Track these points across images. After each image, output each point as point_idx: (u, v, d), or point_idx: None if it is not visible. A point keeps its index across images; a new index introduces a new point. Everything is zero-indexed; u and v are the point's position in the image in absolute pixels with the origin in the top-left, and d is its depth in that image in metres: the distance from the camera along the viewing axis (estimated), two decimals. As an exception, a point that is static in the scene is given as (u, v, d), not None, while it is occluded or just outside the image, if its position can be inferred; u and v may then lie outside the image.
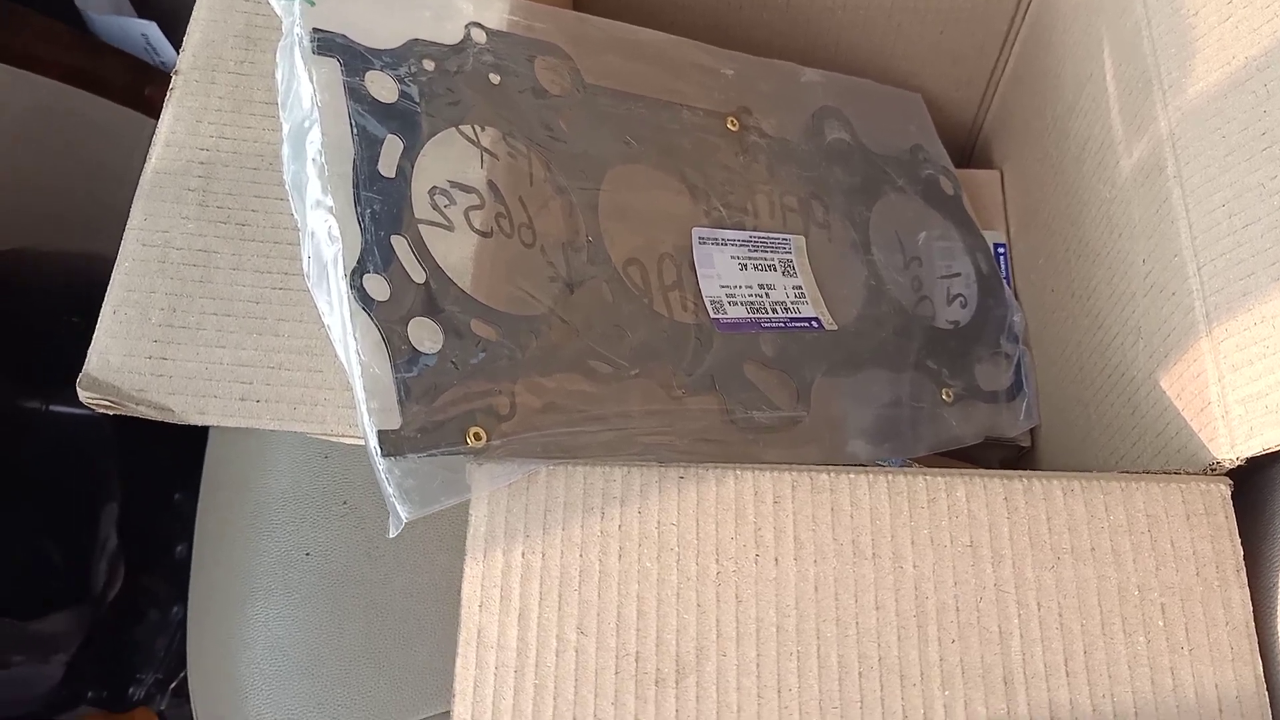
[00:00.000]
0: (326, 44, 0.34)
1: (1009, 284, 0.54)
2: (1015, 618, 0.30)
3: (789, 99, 0.49)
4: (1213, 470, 0.32)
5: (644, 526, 0.31)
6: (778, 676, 0.29)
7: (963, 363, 0.49)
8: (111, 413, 0.32)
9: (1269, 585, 0.31)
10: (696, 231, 0.42)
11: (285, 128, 0.34)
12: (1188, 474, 0.33)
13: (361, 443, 0.33)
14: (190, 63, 0.37)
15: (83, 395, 0.31)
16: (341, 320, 0.31)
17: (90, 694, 0.79)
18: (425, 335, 0.32)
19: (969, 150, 0.61)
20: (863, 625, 0.30)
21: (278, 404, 0.32)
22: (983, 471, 0.32)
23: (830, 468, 0.32)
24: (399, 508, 0.30)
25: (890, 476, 0.32)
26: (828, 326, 0.44)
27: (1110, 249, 0.41)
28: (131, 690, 0.80)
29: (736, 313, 0.42)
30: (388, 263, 0.32)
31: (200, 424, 0.32)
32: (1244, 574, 0.30)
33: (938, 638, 0.30)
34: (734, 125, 0.46)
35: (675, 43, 0.45)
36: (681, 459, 0.36)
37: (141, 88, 0.70)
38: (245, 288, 0.34)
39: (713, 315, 0.41)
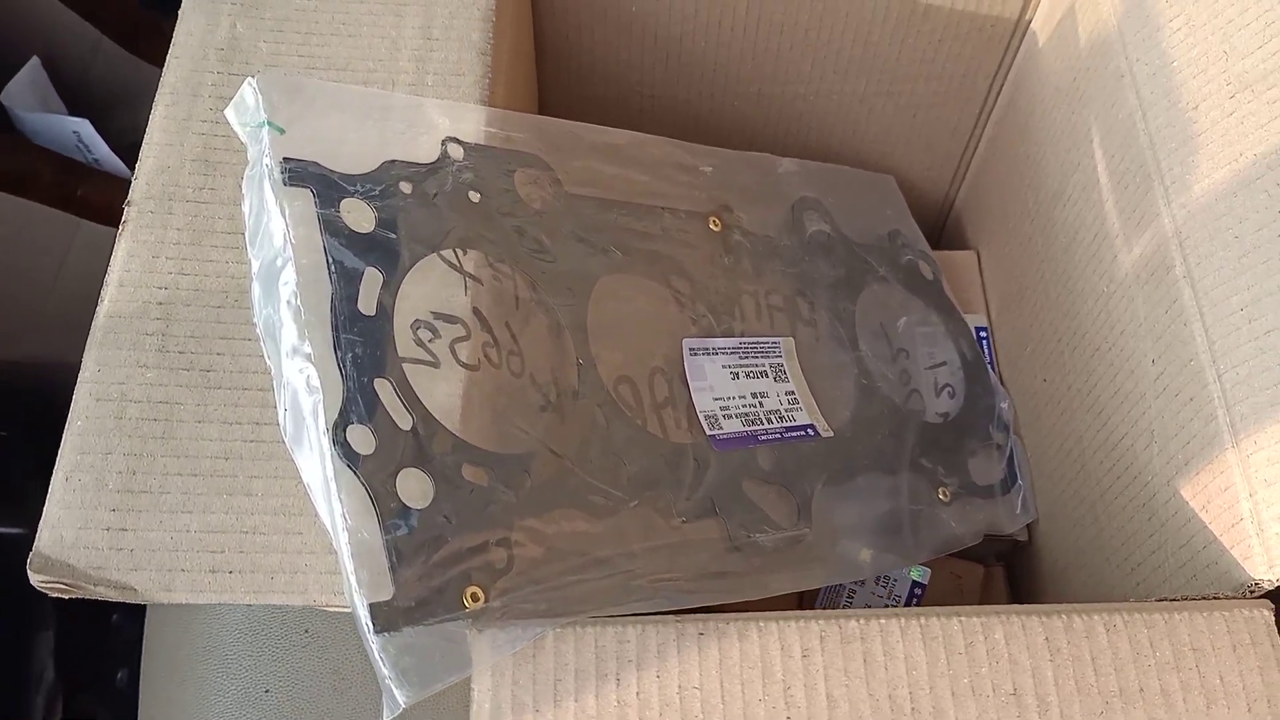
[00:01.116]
0: (298, 174, 0.31)
1: (994, 369, 0.52)
2: (1068, 772, 0.28)
3: (768, 192, 0.47)
4: (1251, 592, 0.31)
5: (664, 692, 0.28)
6: None
7: (956, 458, 0.47)
8: (67, 596, 0.29)
9: (1323, 718, 0.29)
10: (687, 343, 0.40)
11: (255, 265, 0.31)
12: (1227, 598, 0.31)
13: (347, 611, 0.30)
14: (144, 191, 0.34)
15: (34, 579, 0.28)
16: (324, 479, 0.29)
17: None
18: (415, 488, 0.30)
19: (940, 230, 0.60)
20: (907, 790, 0.28)
21: (253, 574, 0.30)
22: (1019, 608, 0.30)
23: (859, 614, 0.30)
24: (396, 692, 0.27)
25: (923, 620, 0.30)
26: (823, 434, 0.43)
27: (1112, 345, 0.40)
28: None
29: (732, 426, 0.40)
30: (372, 411, 0.30)
31: (167, 602, 0.29)
32: (1298, 708, 0.29)
33: (988, 799, 0.27)
34: (716, 225, 0.44)
35: (652, 142, 0.43)
36: (689, 600, 0.34)
37: (73, 188, 0.67)
38: (212, 442, 0.31)
39: (709, 432, 0.39)
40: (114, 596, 0.28)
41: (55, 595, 0.28)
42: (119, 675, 0.73)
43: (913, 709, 0.28)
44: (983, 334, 0.54)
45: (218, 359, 0.32)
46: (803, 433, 0.42)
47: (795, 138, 0.53)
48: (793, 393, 0.43)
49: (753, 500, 0.39)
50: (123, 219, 0.34)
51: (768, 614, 0.30)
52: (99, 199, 0.67)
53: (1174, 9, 0.37)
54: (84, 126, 0.66)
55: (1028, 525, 0.49)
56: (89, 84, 0.73)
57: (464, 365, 0.33)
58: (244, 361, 0.32)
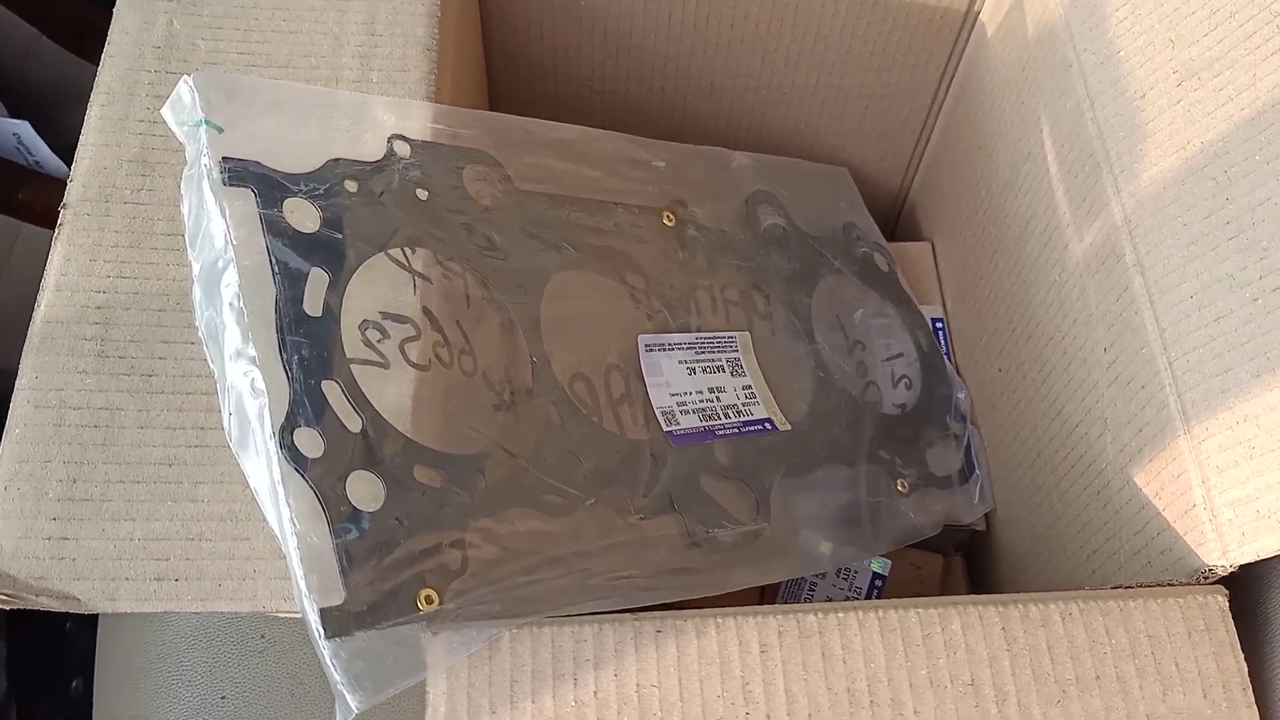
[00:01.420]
0: (239, 174, 0.31)
1: (950, 360, 0.53)
2: (1026, 761, 0.28)
3: (721, 186, 0.47)
4: (1205, 578, 0.31)
5: (623, 691, 0.28)
6: None
7: (914, 449, 0.48)
8: (8, 607, 0.28)
9: (1273, 699, 0.30)
10: (643, 339, 0.40)
11: (195, 268, 0.30)
12: (1181, 584, 0.31)
13: (298, 616, 0.29)
14: (80, 194, 0.33)
15: (-29, 591, 0.27)
16: (271, 484, 0.28)
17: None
18: (365, 491, 0.29)
19: (894, 221, 0.61)
20: (868, 783, 0.27)
21: (200, 581, 0.29)
22: (975, 599, 0.30)
23: (817, 608, 0.29)
24: (349, 697, 0.27)
25: (880, 612, 0.29)
26: (781, 427, 0.42)
27: (1065, 334, 0.40)
28: (30, 833, 0.73)
29: (689, 422, 0.40)
30: (320, 413, 0.29)
31: (111, 611, 0.28)
32: (1250, 691, 0.29)
33: (948, 790, 0.27)
34: (670, 220, 0.44)
35: (603, 137, 0.43)
36: (647, 596, 0.34)
37: (14, 191, 0.65)
38: (155, 448, 0.30)
39: (665, 428, 0.39)
40: (57, 606, 0.28)
41: (-5, 607, 0.27)
42: (74, 684, 0.72)
43: (871, 702, 0.28)
44: (938, 325, 0.54)
45: (159, 363, 0.31)
46: (760, 427, 0.42)
47: (748, 131, 0.53)
48: (750, 387, 0.43)
49: (711, 496, 0.39)
50: (59, 222, 0.33)
51: (726, 610, 0.30)
52: (41, 202, 0.66)
53: (1120, -2, 0.38)
54: (24, 128, 0.64)
55: (986, 515, 0.49)
56: (27, 83, 0.71)
57: (414, 365, 0.32)
58: (187, 365, 0.31)
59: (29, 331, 0.31)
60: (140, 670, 0.52)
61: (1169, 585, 0.32)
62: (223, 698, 0.50)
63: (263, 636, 0.51)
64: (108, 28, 0.38)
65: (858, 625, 0.29)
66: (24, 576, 0.28)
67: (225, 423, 0.29)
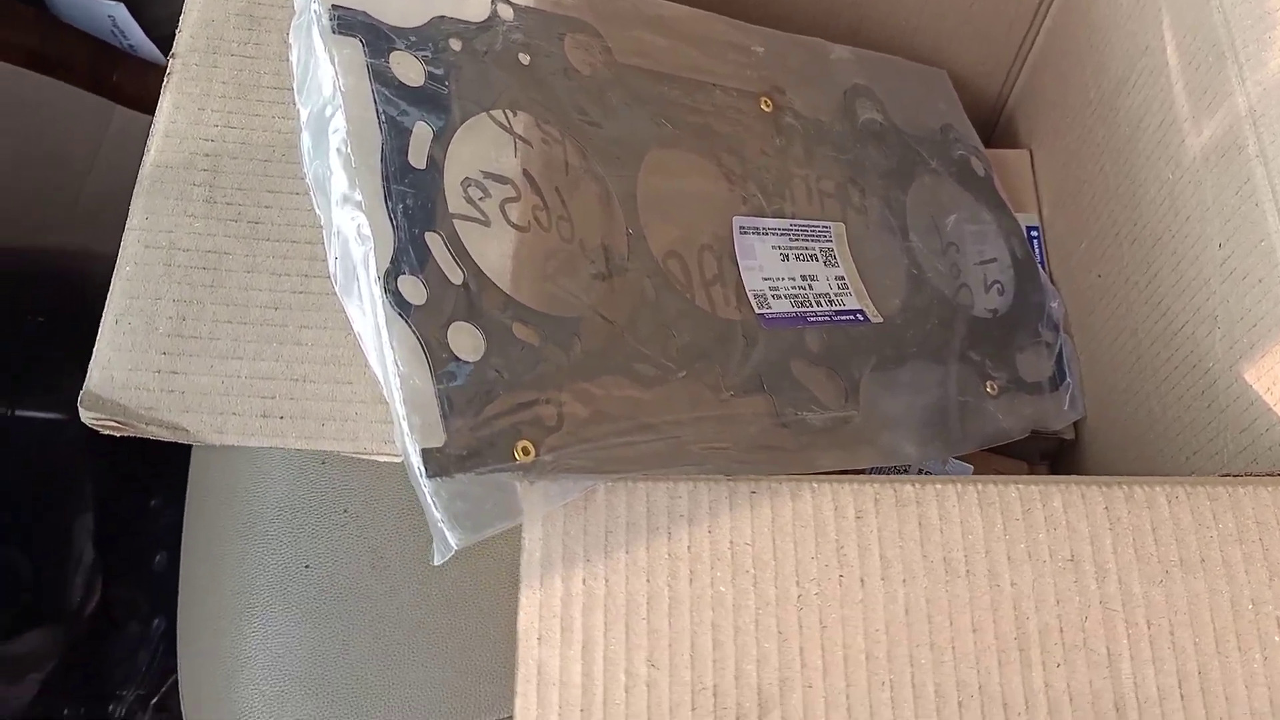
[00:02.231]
0: (347, 22, 0.30)
1: (1044, 268, 0.51)
2: (1124, 638, 0.27)
3: (820, 77, 0.46)
4: (1318, 470, 0.30)
5: (716, 547, 0.28)
6: (870, 709, 0.27)
7: (1004, 353, 0.47)
8: (119, 434, 0.29)
9: (1387, 594, 0.29)
10: (737, 220, 0.39)
11: (303, 115, 0.30)
12: (1291, 475, 0.30)
13: (398, 460, 0.30)
14: (189, 45, 0.34)
15: (85, 416, 0.28)
16: (375, 327, 0.28)
17: (67, 712, 0.75)
18: (466, 342, 0.29)
19: (992, 129, 0.59)
20: (959, 650, 0.27)
21: (304, 420, 0.29)
22: (1078, 479, 0.29)
23: (915, 479, 0.29)
24: (449, 534, 0.27)
25: (980, 486, 0.29)
26: (873, 319, 0.42)
27: (1175, 232, 0.39)
28: (112, 707, 0.76)
29: (780, 307, 0.39)
30: (423, 263, 0.29)
31: (219, 444, 0.29)
32: (1362, 583, 0.28)
33: (1041, 661, 0.27)
34: (768, 106, 0.43)
35: (702, 18, 0.42)
36: (738, 468, 0.34)
37: (108, 73, 0.66)
38: (262, 292, 0.31)
39: (757, 310, 0.38)
40: (166, 436, 0.28)
41: (106, 433, 0.28)
42: (157, 558, 0.74)
43: (968, 572, 0.28)
44: (1034, 233, 0.52)
45: (265, 211, 0.32)
46: (852, 317, 0.41)
47: (846, 25, 0.51)
48: (842, 278, 0.42)
49: (800, 380, 0.38)
50: (167, 71, 0.33)
51: (820, 476, 0.29)
52: (133, 85, 0.66)
53: (1259, -126, 0.36)
54: (119, 10, 0.65)
55: (1075, 424, 0.48)
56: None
57: (514, 226, 0.32)
58: (292, 215, 0.32)
59: (139, 175, 0.32)
60: (226, 540, 0.53)
61: (1273, 476, 0.31)
62: (306, 567, 0.52)
63: (345, 510, 0.53)
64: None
65: (956, 497, 0.29)
66: (134, 406, 0.29)
67: (330, 267, 0.30)
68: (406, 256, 0.29)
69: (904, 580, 0.28)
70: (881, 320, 0.42)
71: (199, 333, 0.30)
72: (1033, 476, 0.29)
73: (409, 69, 0.31)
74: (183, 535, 0.57)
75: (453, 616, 0.51)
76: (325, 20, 0.30)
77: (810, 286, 0.41)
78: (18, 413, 0.75)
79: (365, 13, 0.31)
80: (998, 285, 0.49)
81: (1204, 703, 0.27)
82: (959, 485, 0.29)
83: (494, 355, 0.30)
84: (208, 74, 0.33)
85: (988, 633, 0.27)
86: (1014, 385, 0.46)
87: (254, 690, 0.51)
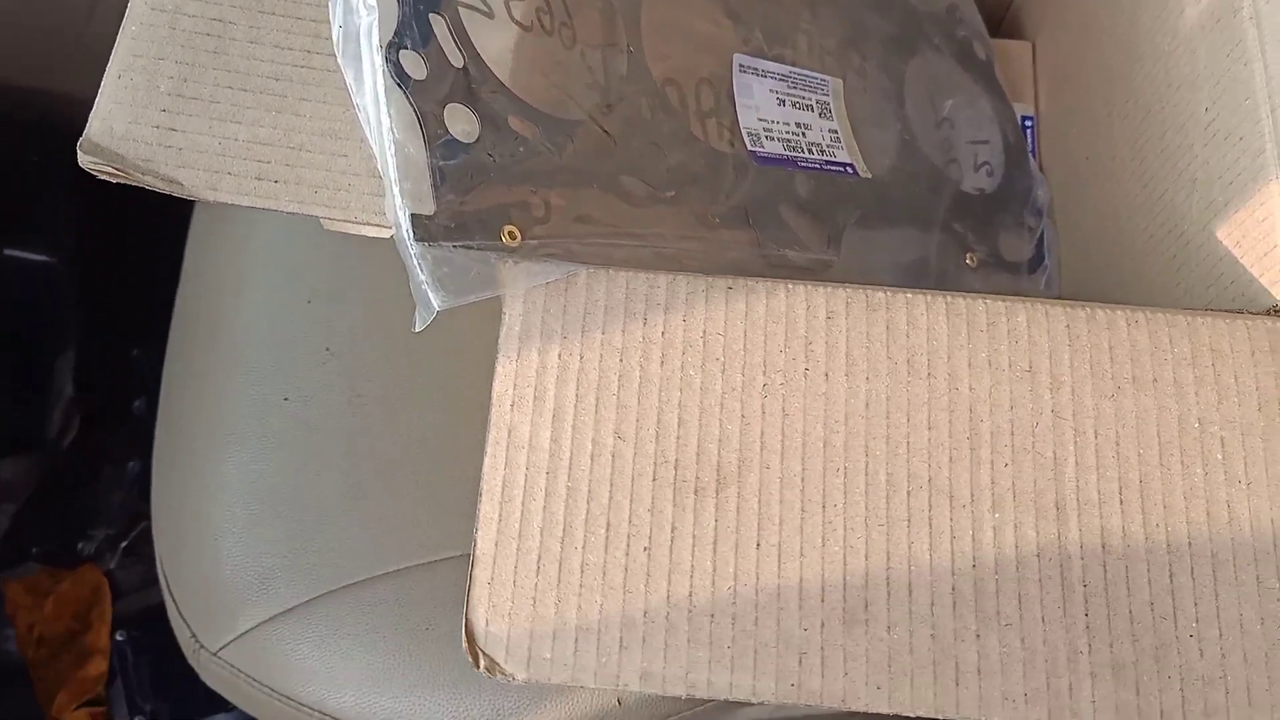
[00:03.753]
0: None
1: (1034, 158, 0.52)
2: (1071, 444, 0.29)
3: (831, -62, 0.46)
4: (1275, 312, 0.31)
5: (689, 334, 0.29)
6: (823, 491, 0.28)
7: (987, 230, 0.47)
8: (115, 180, 0.29)
9: (1328, 429, 0.30)
10: (738, 58, 0.40)
11: (315, -114, 0.31)
12: (1252, 314, 0.31)
13: (387, 235, 0.30)
14: None
15: (83, 160, 0.29)
16: (374, 96, 0.29)
17: (36, 549, 0.76)
18: (461, 123, 0.30)
19: (999, 20, 0.59)
20: (914, 444, 0.28)
21: (298, 185, 0.30)
22: (1044, 300, 0.30)
23: (886, 289, 0.30)
24: (431, 295, 0.28)
25: (949, 298, 0.30)
26: (862, 174, 0.43)
27: (1165, 101, 0.40)
28: (81, 545, 0.77)
29: (773, 148, 0.40)
30: (425, 40, 0.30)
31: (212, 200, 0.29)
32: (1305, 414, 0.29)
33: (990, 460, 0.28)
34: (777, -45, 0.43)
35: None
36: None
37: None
38: (264, 63, 0.31)
39: (749, 147, 0.39)
40: (161, 188, 0.29)
41: (103, 178, 0.29)
42: (135, 404, 0.75)
43: (929, 374, 0.29)
44: (1028, 122, 0.53)
45: (272, -15, 0.32)
46: (842, 169, 0.42)
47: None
48: (836, 131, 0.43)
49: (786, 221, 0.39)
50: None
51: (795, 280, 0.30)
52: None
53: None
54: None
55: (1050, 305, 0.49)
56: None
57: (517, 23, 0.33)
58: (298, -9, 0.32)
59: (147, -57, 0.32)
60: (207, 369, 0.54)
61: (1238, 312, 0.32)
62: (285, 399, 0.52)
63: (327, 349, 0.53)
64: None
65: (925, 306, 0.30)
66: (131, 157, 0.29)
67: (334, 35, 0.30)
68: (410, 31, 0.30)
69: (867, 378, 0.29)
70: (870, 177, 0.43)
71: (200, 95, 0.30)
72: (1001, 295, 0.30)
73: None
74: (164, 369, 0.58)
75: (427, 458, 0.52)
76: None
77: (804, 134, 0.41)
78: (6, 251, 0.76)
79: None
80: (987, 166, 0.49)
81: (1141, 508, 0.28)
82: (929, 296, 0.30)
83: (488, 141, 0.31)
84: None
85: (942, 431, 0.29)
86: (993, 261, 0.47)
87: (227, 514, 0.52)
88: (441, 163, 0.29)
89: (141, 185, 0.29)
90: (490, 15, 0.32)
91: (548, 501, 0.27)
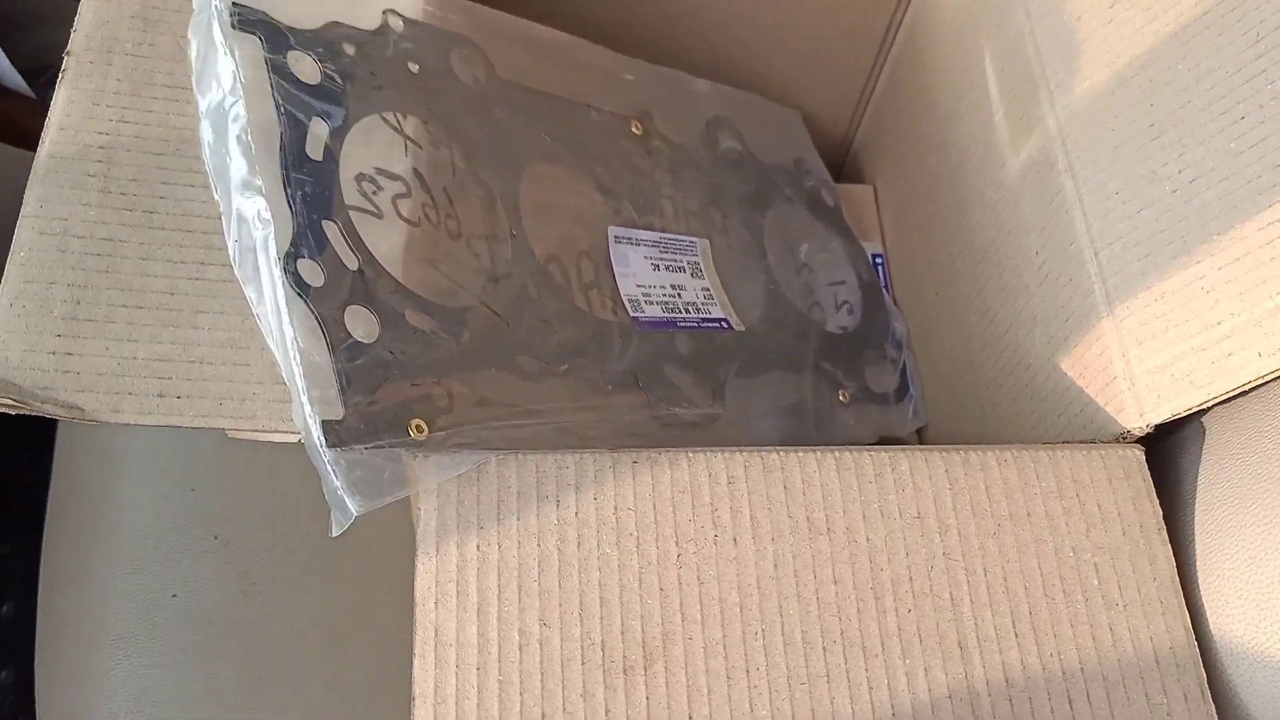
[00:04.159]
0: (247, 19, 0.32)
1: (888, 292, 0.56)
2: (965, 584, 0.31)
3: (684, 106, 0.50)
4: (1124, 438, 0.34)
5: (601, 512, 0.30)
6: (745, 656, 0.29)
7: (854, 365, 0.51)
8: (14, 413, 0.29)
9: (1187, 541, 0.33)
10: (612, 230, 0.42)
11: (202, 105, 0.32)
12: (1102, 443, 0.35)
13: (293, 439, 0.31)
14: (83, 44, 0.34)
15: (-23, 394, 0.28)
16: (275, 307, 0.30)
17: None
18: (361, 324, 0.31)
19: (840, 165, 0.64)
20: (823, 599, 0.30)
21: (201, 399, 0.30)
22: (923, 447, 0.33)
23: (779, 449, 0.32)
24: (349, 501, 0.28)
25: (837, 453, 0.32)
26: (736, 327, 0.45)
27: (999, 245, 0.44)
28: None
29: (653, 311, 0.42)
30: (321, 248, 0.31)
31: (114, 422, 0.29)
32: (1165, 532, 0.32)
33: (894, 608, 0.30)
34: (638, 129, 0.46)
35: (577, 43, 0.45)
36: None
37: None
38: (157, 278, 0.31)
39: (631, 313, 0.41)
40: (61, 415, 0.29)
41: (2, 411, 0.28)
42: (4, 608, 0.71)
43: (829, 529, 0.31)
44: (878, 260, 0.57)
45: (160, 202, 0.33)
46: (718, 324, 0.44)
47: (708, 62, 0.55)
48: (708, 289, 0.45)
49: (672, 380, 0.41)
50: (62, 68, 0.34)
51: (695, 447, 0.32)
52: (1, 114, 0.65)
53: (1061, -65, 0.41)
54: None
55: (918, 431, 0.52)
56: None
57: (405, 220, 0.34)
58: (187, 205, 0.33)
59: (33, 165, 0.32)
60: (87, 568, 0.52)
61: (1090, 442, 0.35)
62: (174, 596, 0.51)
63: (215, 537, 0.52)
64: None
65: (816, 464, 0.32)
66: (30, 385, 0.29)
67: (230, 250, 0.31)
68: (305, 241, 0.30)
69: (772, 539, 0.31)
70: (744, 329, 0.45)
71: (94, 316, 0.30)
72: (883, 446, 0.32)
73: (305, 68, 0.33)
74: (40, 572, 0.55)
75: (325, 640, 0.51)
76: (226, 16, 0.32)
77: (679, 295, 0.44)
78: None
79: (264, 12, 0.33)
80: (847, 305, 0.53)
81: (1035, 640, 0.30)
82: (819, 453, 0.32)
83: (388, 338, 0.31)
84: (102, 71, 0.34)
85: (847, 584, 0.30)
86: (863, 395, 0.50)
87: (116, 723, 0.50)
88: (346, 366, 0.30)
89: (40, 414, 0.29)
90: (380, 215, 0.33)
91: (481, 698, 0.28)
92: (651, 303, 0.42)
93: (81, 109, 0.33)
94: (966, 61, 0.47)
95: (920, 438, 0.53)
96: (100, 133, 0.33)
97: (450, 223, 0.36)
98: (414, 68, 0.37)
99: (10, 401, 0.28)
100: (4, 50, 0.65)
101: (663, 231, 0.45)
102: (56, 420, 0.59)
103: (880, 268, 0.57)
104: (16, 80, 0.68)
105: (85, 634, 0.51)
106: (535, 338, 0.37)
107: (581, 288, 0.40)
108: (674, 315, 0.43)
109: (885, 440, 0.51)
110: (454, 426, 0.32)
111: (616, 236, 0.42)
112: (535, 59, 0.42)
